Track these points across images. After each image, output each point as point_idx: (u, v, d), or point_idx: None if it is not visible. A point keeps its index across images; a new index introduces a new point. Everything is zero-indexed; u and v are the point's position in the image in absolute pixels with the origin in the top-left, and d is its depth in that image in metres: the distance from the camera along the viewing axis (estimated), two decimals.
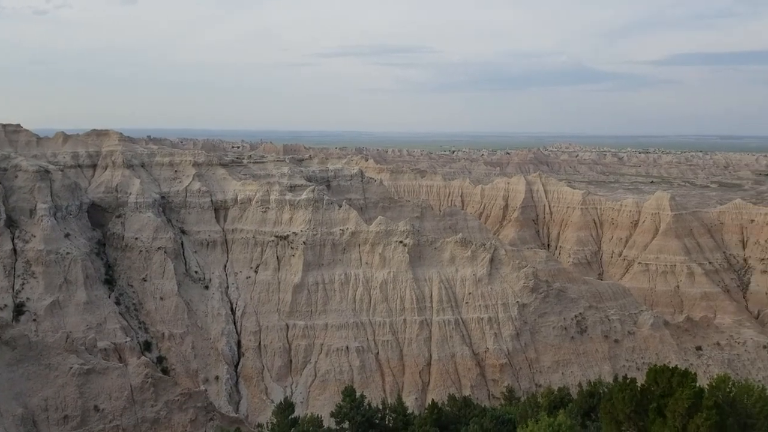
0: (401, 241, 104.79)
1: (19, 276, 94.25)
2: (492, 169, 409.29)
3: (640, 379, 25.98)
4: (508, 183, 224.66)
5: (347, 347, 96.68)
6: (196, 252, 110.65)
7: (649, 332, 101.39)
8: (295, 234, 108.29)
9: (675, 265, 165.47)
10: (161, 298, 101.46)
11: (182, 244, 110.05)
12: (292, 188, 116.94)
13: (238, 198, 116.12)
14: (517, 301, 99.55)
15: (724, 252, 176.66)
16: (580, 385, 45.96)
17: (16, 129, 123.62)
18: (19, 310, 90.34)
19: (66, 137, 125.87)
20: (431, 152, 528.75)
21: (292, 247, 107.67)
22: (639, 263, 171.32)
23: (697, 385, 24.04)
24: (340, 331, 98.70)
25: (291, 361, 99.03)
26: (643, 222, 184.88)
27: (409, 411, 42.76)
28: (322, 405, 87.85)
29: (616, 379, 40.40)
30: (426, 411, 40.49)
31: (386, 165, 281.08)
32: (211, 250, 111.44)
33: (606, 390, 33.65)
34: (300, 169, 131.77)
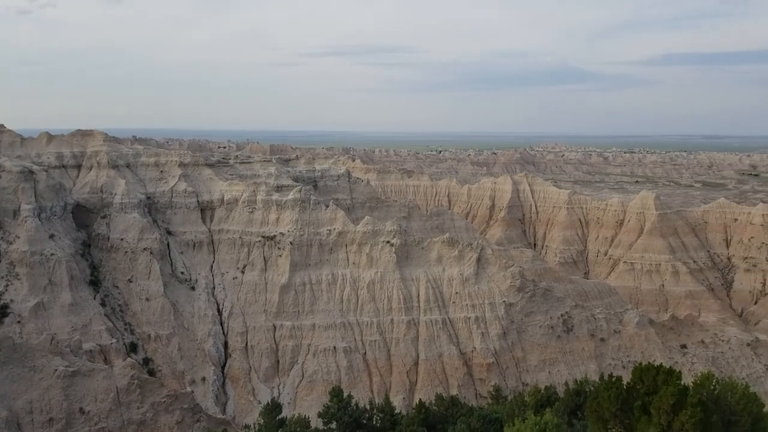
0: (388, 241, 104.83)
1: (2, 277, 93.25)
2: (479, 169, 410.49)
3: (626, 378, 26.16)
4: (495, 183, 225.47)
5: (334, 347, 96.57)
6: (182, 253, 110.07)
7: (635, 331, 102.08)
8: (282, 234, 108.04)
9: (660, 264, 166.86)
10: (147, 299, 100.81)
11: (168, 244, 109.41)
12: (279, 188, 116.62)
13: (225, 198, 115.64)
14: (504, 301, 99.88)
15: (708, 251, 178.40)
16: (566, 383, 46.16)
17: (0, 129, 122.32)
18: (3, 311, 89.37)
19: (50, 137, 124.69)
20: (418, 152, 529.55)
21: (278, 248, 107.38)
22: (624, 262, 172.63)
23: (682, 382, 24.25)
24: (327, 332, 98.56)
25: (278, 361, 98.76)
26: (629, 221, 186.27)
27: (397, 411, 42.79)
28: (309, 405, 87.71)
29: (602, 377, 40.66)
30: (413, 411, 40.55)
31: (373, 165, 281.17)
32: (198, 250, 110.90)
33: (592, 388, 33.85)
34: (287, 169, 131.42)
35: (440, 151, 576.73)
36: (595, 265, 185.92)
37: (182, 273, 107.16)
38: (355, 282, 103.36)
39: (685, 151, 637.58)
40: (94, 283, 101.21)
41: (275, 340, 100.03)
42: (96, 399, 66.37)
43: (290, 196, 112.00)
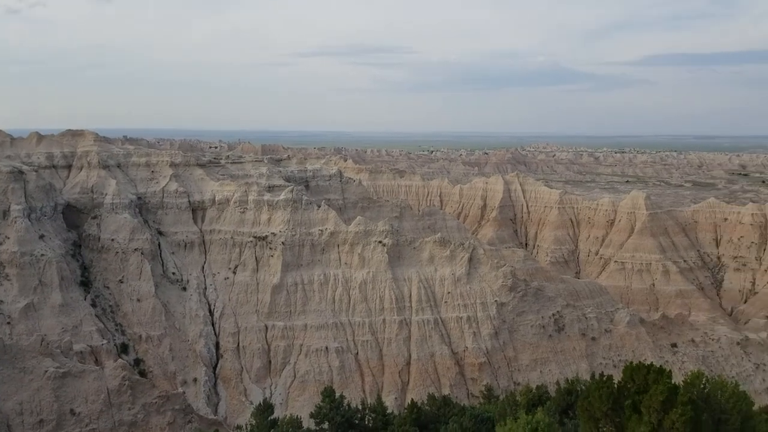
0: (380, 241, 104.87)
1: None
2: (470, 169, 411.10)
3: (617, 377, 26.28)
4: (487, 183, 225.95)
5: (327, 348, 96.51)
6: (173, 253, 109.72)
7: (626, 330, 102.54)
8: (274, 234, 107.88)
9: (650, 264, 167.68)
10: (138, 300, 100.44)
11: (159, 245, 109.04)
12: (271, 188, 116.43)
13: (216, 198, 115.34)
14: (496, 300, 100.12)
15: (698, 250, 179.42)
16: (557, 383, 46.29)
17: None
18: None
19: (40, 138, 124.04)
20: (410, 152, 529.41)
21: (270, 248, 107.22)
22: (615, 262, 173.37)
23: (673, 381, 24.38)
24: (319, 332, 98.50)
25: (270, 362, 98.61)
26: (619, 221, 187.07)
27: (389, 411, 42.81)
28: (301, 406, 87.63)
29: (593, 376, 40.79)
30: (405, 410, 40.59)
31: (365, 165, 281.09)
32: (189, 251, 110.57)
33: (583, 388, 33.95)
34: (278, 169, 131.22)
35: (432, 151, 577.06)
36: (586, 264, 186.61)
37: (173, 273, 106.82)
38: (347, 282, 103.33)
39: (675, 151, 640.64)
40: (85, 284, 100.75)
41: (267, 341, 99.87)
42: (87, 400, 66.10)
43: (282, 197, 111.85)
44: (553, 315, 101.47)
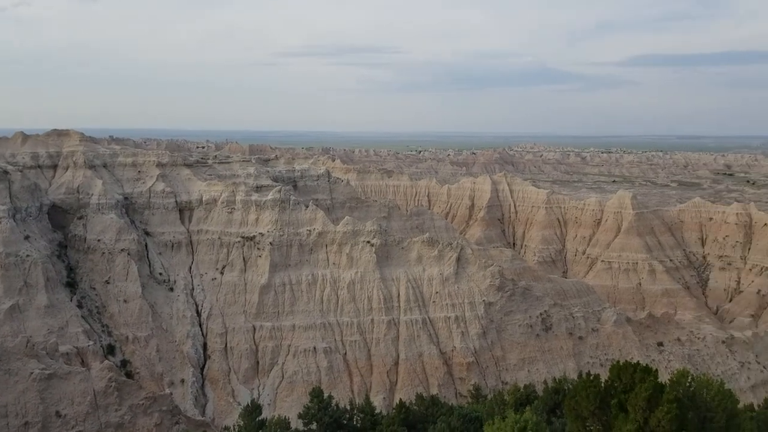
0: (368, 241, 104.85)
1: None
2: (458, 169, 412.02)
3: (604, 376, 26.45)
4: (474, 183, 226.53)
5: (315, 348, 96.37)
6: (160, 254, 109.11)
7: (612, 329, 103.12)
8: (262, 235, 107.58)
9: (637, 263, 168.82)
10: (125, 301, 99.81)
11: (146, 245, 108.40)
12: (259, 189, 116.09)
13: (204, 199, 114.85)
14: (484, 300, 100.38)
15: (684, 249, 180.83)
16: (545, 382, 46.54)
17: None
18: None
19: (25, 137, 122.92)
20: (398, 152, 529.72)
21: (258, 248, 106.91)
22: (602, 261, 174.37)
23: (659, 380, 24.58)
24: (307, 332, 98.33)
25: (258, 362, 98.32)
26: (606, 221, 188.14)
27: (377, 411, 42.85)
28: (289, 406, 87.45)
29: (580, 375, 41.02)
30: (394, 410, 40.63)
31: (353, 165, 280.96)
32: (176, 251, 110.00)
33: (571, 387, 34.15)
34: (266, 169, 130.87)
35: (420, 151, 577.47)
36: (573, 264, 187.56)
37: (160, 274, 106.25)
38: (335, 282, 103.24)
39: (661, 151, 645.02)
40: (71, 285, 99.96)
41: (255, 341, 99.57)
42: (73, 402, 65.62)
43: (270, 197, 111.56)
44: (541, 314, 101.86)
